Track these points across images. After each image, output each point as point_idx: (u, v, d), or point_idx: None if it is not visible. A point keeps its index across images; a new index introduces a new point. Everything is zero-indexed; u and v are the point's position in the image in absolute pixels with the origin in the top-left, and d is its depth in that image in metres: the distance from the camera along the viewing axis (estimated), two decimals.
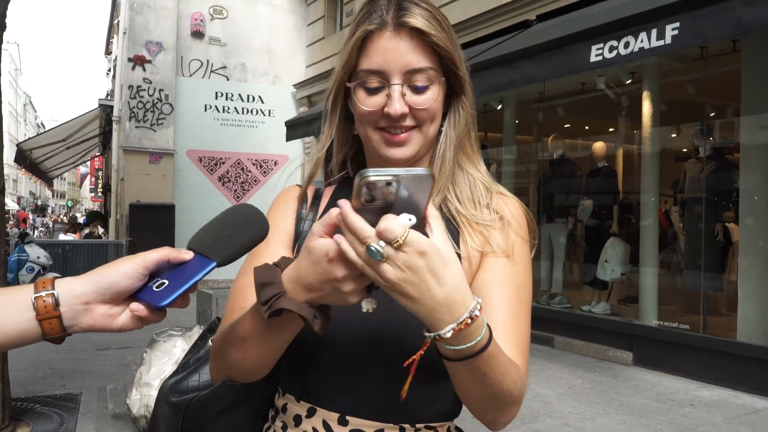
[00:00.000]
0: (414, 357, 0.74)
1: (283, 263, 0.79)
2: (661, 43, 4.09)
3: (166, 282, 0.73)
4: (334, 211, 0.69)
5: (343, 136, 1.03)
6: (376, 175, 0.64)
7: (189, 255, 0.75)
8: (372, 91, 0.93)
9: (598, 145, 7.33)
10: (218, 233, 0.77)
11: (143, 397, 3.74)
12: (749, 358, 4.99)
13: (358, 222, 0.66)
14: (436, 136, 0.98)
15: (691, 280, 6.41)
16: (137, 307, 0.73)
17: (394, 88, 0.91)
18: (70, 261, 10.45)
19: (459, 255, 0.93)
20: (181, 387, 1.00)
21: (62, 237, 14.32)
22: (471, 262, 0.94)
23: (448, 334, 0.70)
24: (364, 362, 0.90)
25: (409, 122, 0.93)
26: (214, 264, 0.74)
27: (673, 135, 7.21)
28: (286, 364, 0.97)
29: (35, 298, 0.71)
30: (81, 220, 23.70)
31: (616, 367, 5.74)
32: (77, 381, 4.99)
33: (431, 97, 0.92)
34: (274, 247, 0.99)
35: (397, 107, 0.90)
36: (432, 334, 0.71)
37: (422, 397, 0.90)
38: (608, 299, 6.96)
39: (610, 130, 8.36)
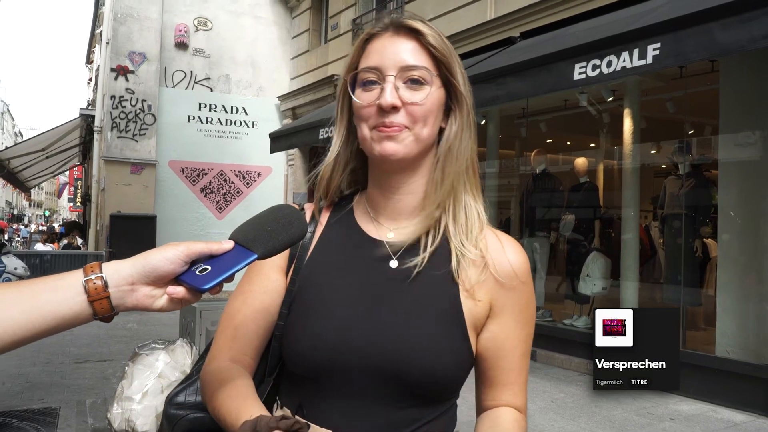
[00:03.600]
0: None
1: (261, 423, 0.79)
2: (642, 62, 4.17)
3: (209, 268, 0.78)
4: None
5: (348, 147, 1.03)
6: None
7: (230, 245, 0.80)
8: (368, 86, 0.95)
9: (580, 161, 7.42)
10: (261, 228, 0.82)
11: (125, 411, 3.68)
12: (727, 372, 5.06)
13: None
14: (434, 148, 0.98)
15: (670, 295, 6.50)
16: (174, 289, 0.78)
17: (388, 79, 0.92)
18: (48, 272, 10.28)
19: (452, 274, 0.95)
20: (178, 399, 1.03)
21: (39, 247, 14.09)
22: (474, 297, 0.95)
23: None
24: (360, 388, 0.91)
25: (400, 119, 0.92)
26: (255, 256, 0.79)
27: (653, 152, 7.33)
28: (286, 378, 0.99)
29: (86, 281, 0.76)
30: (59, 229, 23.32)
31: None
32: (55, 395, 4.90)
33: (425, 94, 0.93)
34: (266, 273, 1.01)
35: (388, 98, 0.91)
36: None
37: (416, 419, 0.91)
38: (590, 313, 7.02)
39: (592, 146, 8.48)
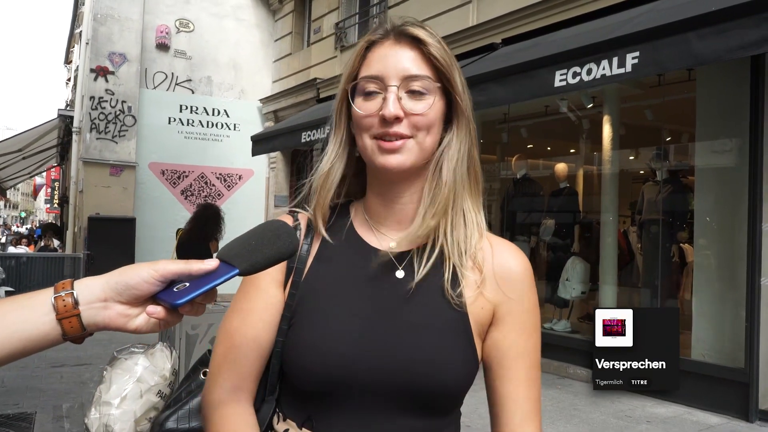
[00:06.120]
0: None
1: None
2: (621, 71, 4.24)
3: (187, 284, 0.75)
4: None
5: (344, 156, 1.00)
6: None
7: (213, 264, 0.76)
8: (369, 96, 0.93)
9: (560, 166, 7.50)
10: (246, 243, 0.79)
11: (102, 417, 3.63)
12: (703, 375, 5.13)
13: None
14: (435, 157, 0.96)
15: (647, 299, 6.59)
16: (153, 309, 0.74)
17: (390, 89, 0.91)
18: (24, 274, 10.12)
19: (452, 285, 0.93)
20: (169, 426, 1.00)
21: (11, 249, 13.82)
22: (478, 304, 0.94)
23: None
24: (372, 401, 0.89)
25: (403, 130, 0.91)
26: (237, 271, 0.76)
27: (632, 158, 7.44)
28: (287, 392, 0.97)
29: (55, 298, 0.72)
30: (35, 231, 22.90)
31: (576, 384, 5.84)
32: (31, 399, 4.82)
33: (428, 104, 0.92)
34: (264, 288, 0.97)
35: (391, 108, 0.90)
36: None
37: (428, 430, 0.91)
38: (569, 317, 7.09)
39: (572, 151, 8.58)
